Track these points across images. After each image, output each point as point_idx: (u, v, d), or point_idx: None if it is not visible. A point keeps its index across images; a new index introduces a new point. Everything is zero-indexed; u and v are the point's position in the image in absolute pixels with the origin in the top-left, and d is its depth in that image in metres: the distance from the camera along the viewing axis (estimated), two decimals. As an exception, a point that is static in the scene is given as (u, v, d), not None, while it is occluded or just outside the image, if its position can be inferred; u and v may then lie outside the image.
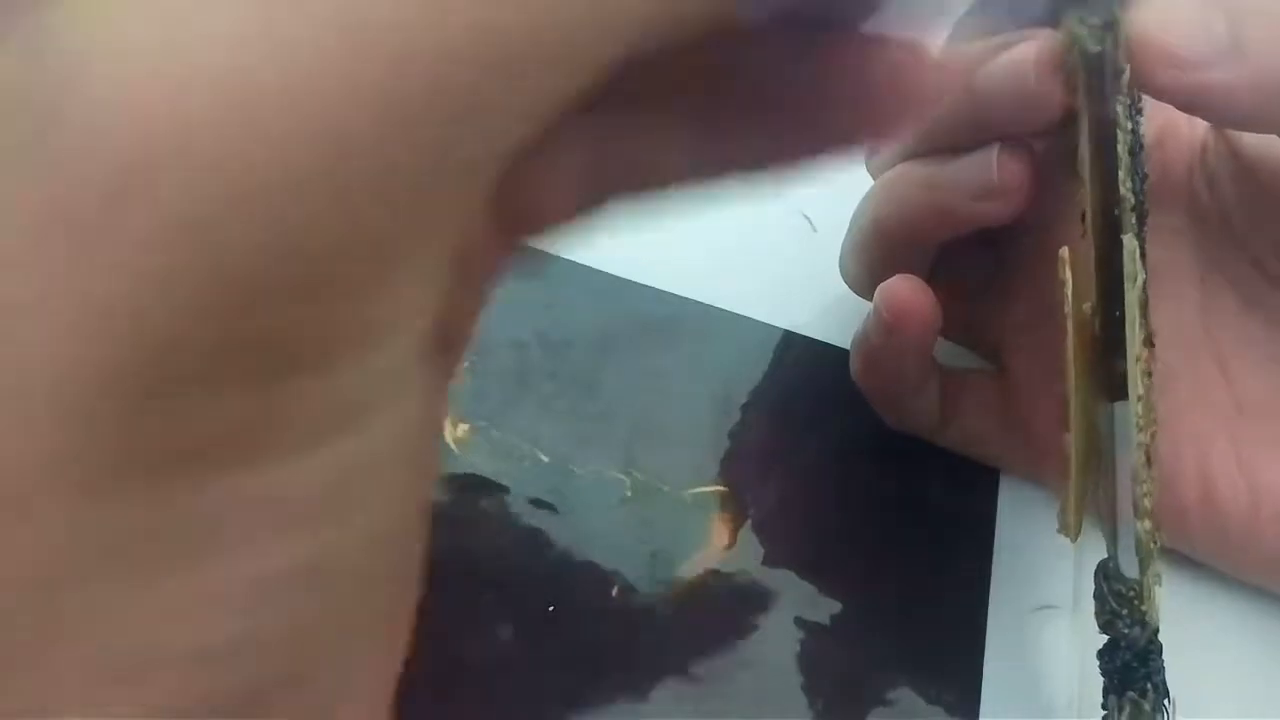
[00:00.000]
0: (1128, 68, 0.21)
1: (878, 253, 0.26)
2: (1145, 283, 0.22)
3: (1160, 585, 0.22)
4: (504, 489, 0.25)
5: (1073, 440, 0.22)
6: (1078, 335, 0.22)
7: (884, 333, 0.25)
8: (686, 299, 0.29)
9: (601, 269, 0.29)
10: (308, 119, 0.09)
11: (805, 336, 0.29)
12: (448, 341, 0.15)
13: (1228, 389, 0.26)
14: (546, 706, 0.22)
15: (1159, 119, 0.26)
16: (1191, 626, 0.26)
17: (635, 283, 0.29)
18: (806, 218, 0.32)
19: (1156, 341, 0.23)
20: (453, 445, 0.25)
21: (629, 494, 0.26)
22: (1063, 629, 0.26)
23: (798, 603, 0.25)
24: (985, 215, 0.24)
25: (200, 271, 0.09)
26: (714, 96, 0.16)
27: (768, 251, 0.31)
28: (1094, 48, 0.21)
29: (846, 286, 0.28)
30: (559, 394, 0.27)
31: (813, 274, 0.30)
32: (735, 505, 0.26)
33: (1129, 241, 0.21)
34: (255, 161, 0.09)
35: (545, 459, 0.26)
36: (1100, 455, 0.23)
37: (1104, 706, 0.22)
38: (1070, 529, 0.22)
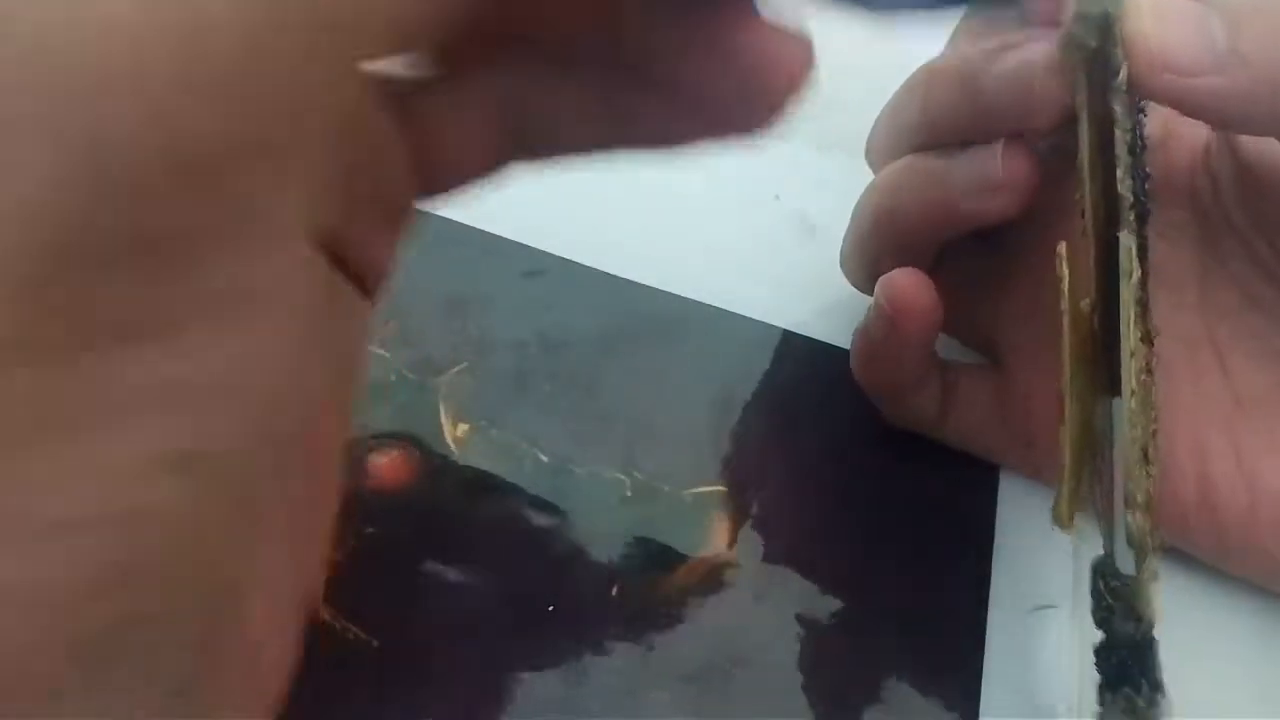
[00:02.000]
0: (1125, 66, 0.21)
1: (879, 247, 0.26)
2: (1144, 280, 0.22)
3: (1158, 582, 0.22)
4: (503, 489, 0.25)
5: (1067, 433, 0.22)
6: (1074, 330, 0.22)
7: (885, 325, 0.25)
8: (686, 299, 0.29)
9: (601, 269, 0.29)
10: (191, 48, 0.10)
11: (805, 336, 0.29)
12: (359, 273, 0.17)
13: (1227, 384, 0.26)
14: (546, 707, 0.23)
15: (1161, 118, 0.26)
16: (1187, 625, 0.26)
17: (635, 283, 0.29)
18: (805, 218, 0.32)
19: (1156, 338, 0.23)
20: (452, 445, 0.26)
21: (629, 494, 0.26)
22: (1063, 628, 0.26)
23: (798, 600, 0.25)
24: (988, 211, 0.24)
25: (90, 170, 0.10)
26: (609, 69, 0.18)
27: (767, 251, 0.31)
28: (1091, 43, 0.21)
29: (846, 286, 0.29)
30: (559, 394, 0.27)
31: (812, 274, 0.30)
32: (735, 505, 0.26)
33: (1125, 238, 0.21)
34: (142, 74, 0.10)
35: (545, 459, 0.26)
36: (1097, 450, 0.23)
37: (1099, 703, 0.22)
38: (1063, 520, 0.22)
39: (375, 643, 0.22)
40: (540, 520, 0.25)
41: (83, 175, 0.10)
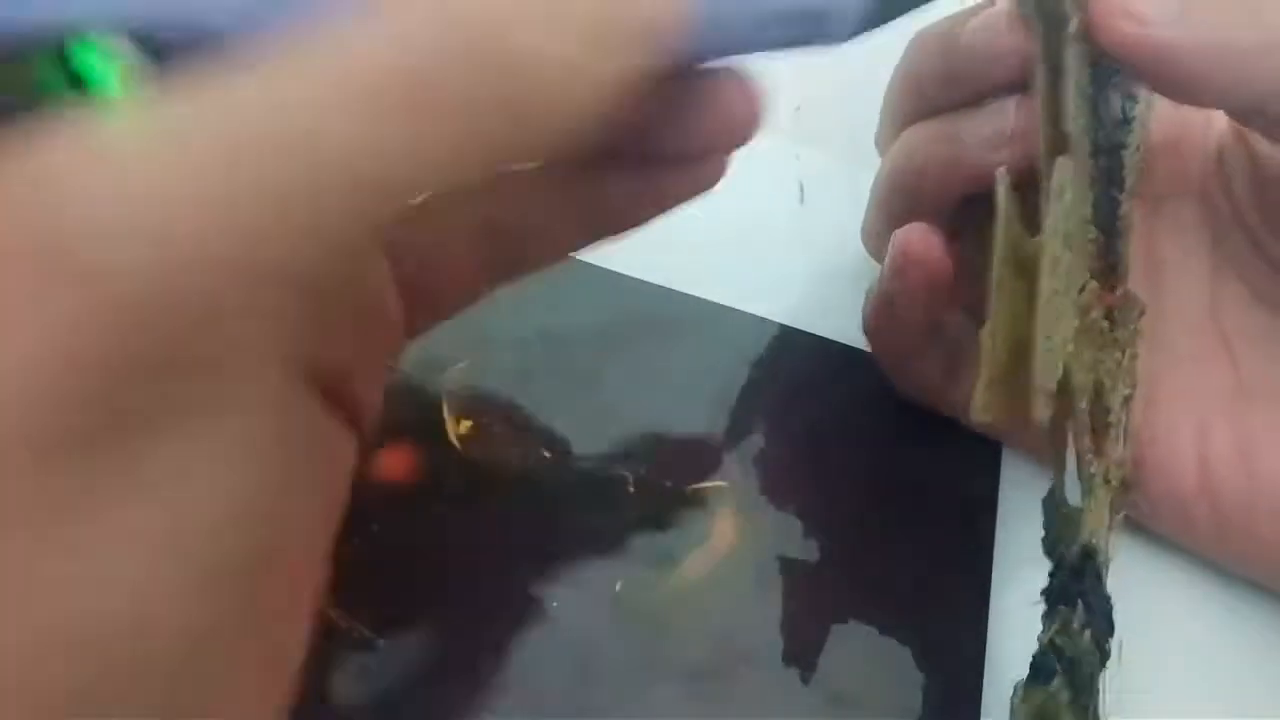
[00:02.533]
0: (1076, 18, 0.22)
1: (896, 211, 0.27)
2: (1092, 216, 0.23)
3: (1111, 517, 0.24)
4: (506, 485, 0.25)
5: (990, 322, 0.23)
6: (1007, 234, 0.23)
7: (894, 278, 0.25)
8: (689, 295, 0.29)
9: (605, 266, 0.29)
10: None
11: (808, 332, 0.29)
12: (352, 411, 0.19)
13: (1234, 374, 0.26)
14: (550, 704, 0.23)
15: (1173, 122, 0.27)
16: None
17: (639, 280, 0.29)
18: (808, 214, 0.32)
19: (1170, 324, 0.25)
20: (456, 441, 0.26)
21: (632, 490, 0.26)
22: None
23: (802, 594, 0.25)
24: (1000, 163, 0.24)
25: (107, 338, 0.12)
26: (578, 170, 0.20)
27: (770, 248, 0.31)
28: None
29: (850, 282, 0.29)
30: (561, 390, 0.27)
31: (816, 269, 0.30)
32: (738, 500, 0.26)
33: (1062, 162, 0.22)
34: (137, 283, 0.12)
35: (548, 455, 0.26)
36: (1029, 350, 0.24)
37: (1042, 627, 0.23)
38: (977, 409, 0.23)
39: (380, 640, 0.23)
40: (543, 516, 0.25)
41: (59, 362, 0.12)
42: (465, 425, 0.26)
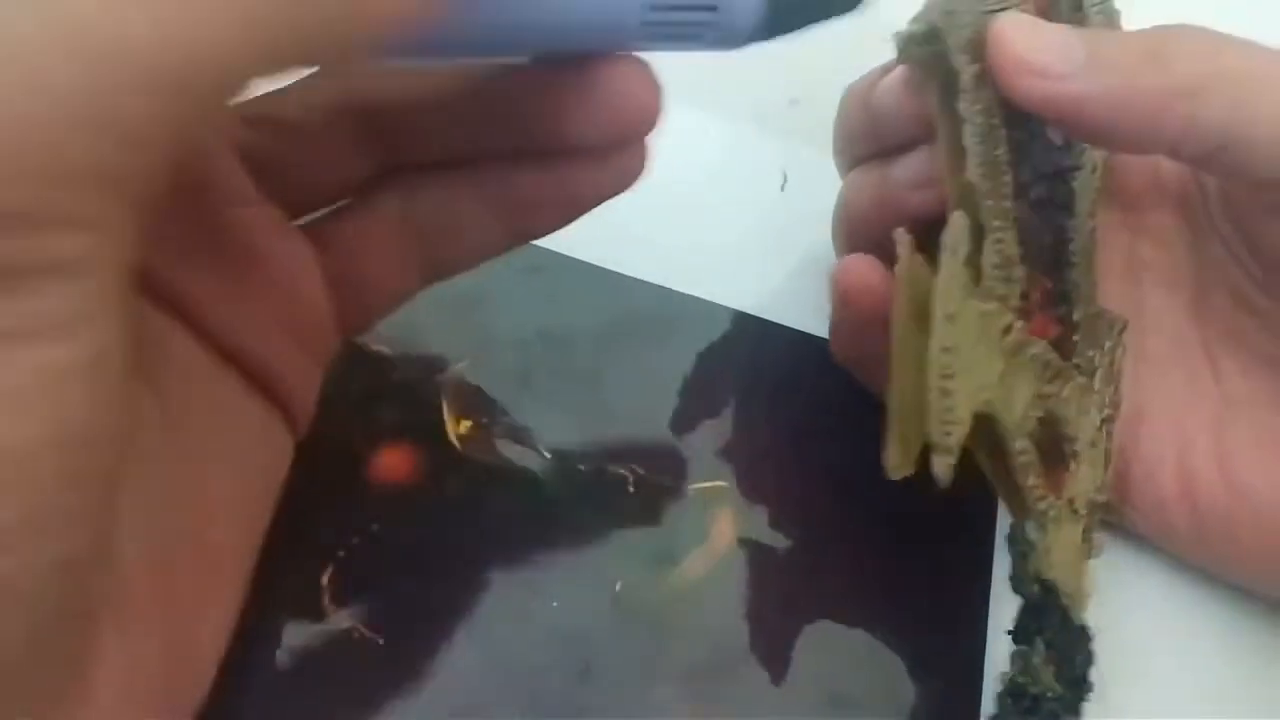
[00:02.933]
0: (973, 68, 0.22)
1: (846, 245, 0.28)
2: (1023, 254, 0.23)
3: (1086, 554, 0.24)
4: (506, 484, 0.25)
5: (894, 378, 0.23)
6: (909, 287, 0.23)
7: (841, 307, 0.26)
8: (687, 295, 0.29)
9: (604, 265, 0.29)
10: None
11: (805, 333, 0.29)
12: (278, 396, 0.20)
13: (1217, 385, 0.26)
14: (550, 703, 0.23)
15: None
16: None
17: (636, 279, 0.29)
18: (804, 214, 0.32)
19: (1152, 332, 0.24)
20: (455, 441, 0.26)
21: (631, 489, 0.26)
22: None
23: (802, 595, 0.25)
24: (924, 204, 0.25)
25: None
26: (498, 163, 0.21)
27: (768, 248, 0.31)
28: (917, 50, 0.23)
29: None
30: (561, 390, 0.27)
31: (812, 269, 0.30)
32: (738, 500, 0.26)
33: (956, 217, 0.22)
34: None
35: (548, 455, 0.26)
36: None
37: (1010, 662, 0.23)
38: (890, 463, 0.23)
39: (380, 640, 0.23)
40: (543, 516, 0.25)
41: None
42: (465, 425, 0.26)
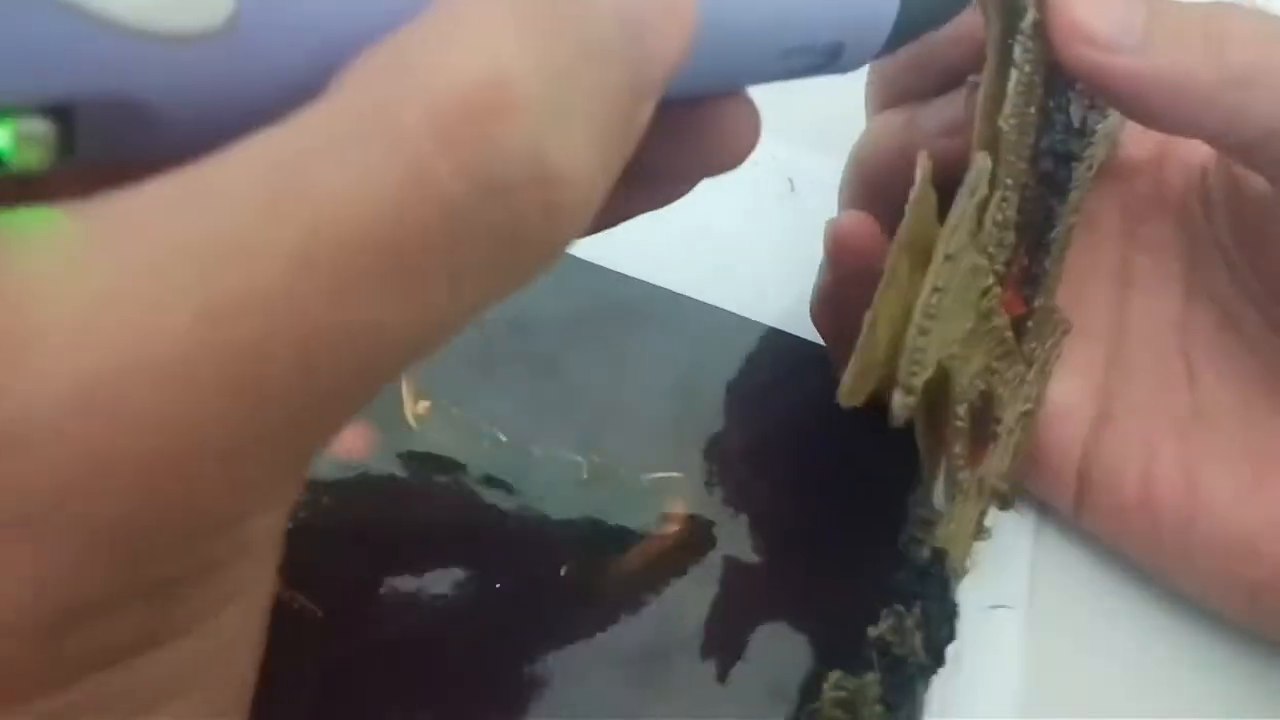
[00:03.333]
0: (1030, 12, 0.21)
1: (856, 197, 0.27)
2: (1016, 221, 0.23)
3: (976, 529, 0.24)
4: (460, 466, 0.25)
5: (873, 320, 0.22)
6: (916, 216, 0.22)
7: (832, 265, 0.25)
8: (654, 285, 0.29)
9: (575, 254, 0.29)
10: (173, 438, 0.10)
11: (773, 327, 0.29)
12: None
13: (1191, 396, 0.26)
14: (488, 681, 0.23)
15: (1157, 138, 0.26)
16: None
17: (603, 268, 0.29)
18: (778, 207, 0.32)
19: (1134, 342, 0.24)
20: (412, 421, 0.26)
21: (585, 476, 0.26)
22: (1015, 628, 0.26)
23: (750, 588, 0.25)
24: (947, 151, 0.24)
25: (101, 551, 0.11)
26: None
27: (737, 240, 0.31)
28: None
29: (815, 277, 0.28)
30: (523, 375, 0.27)
31: (784, 264, 0.30)
32: (691, 490, 0.26)
33: (979, 158, 0.22)
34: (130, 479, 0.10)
35: (504, 439, 0.26)
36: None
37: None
38: (843, 394, 0.22)
39: (320, 612, 0.23)
40: (495, 499, 0.25)
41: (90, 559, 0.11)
42: (423, 405, 0.26)
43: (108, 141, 0.11)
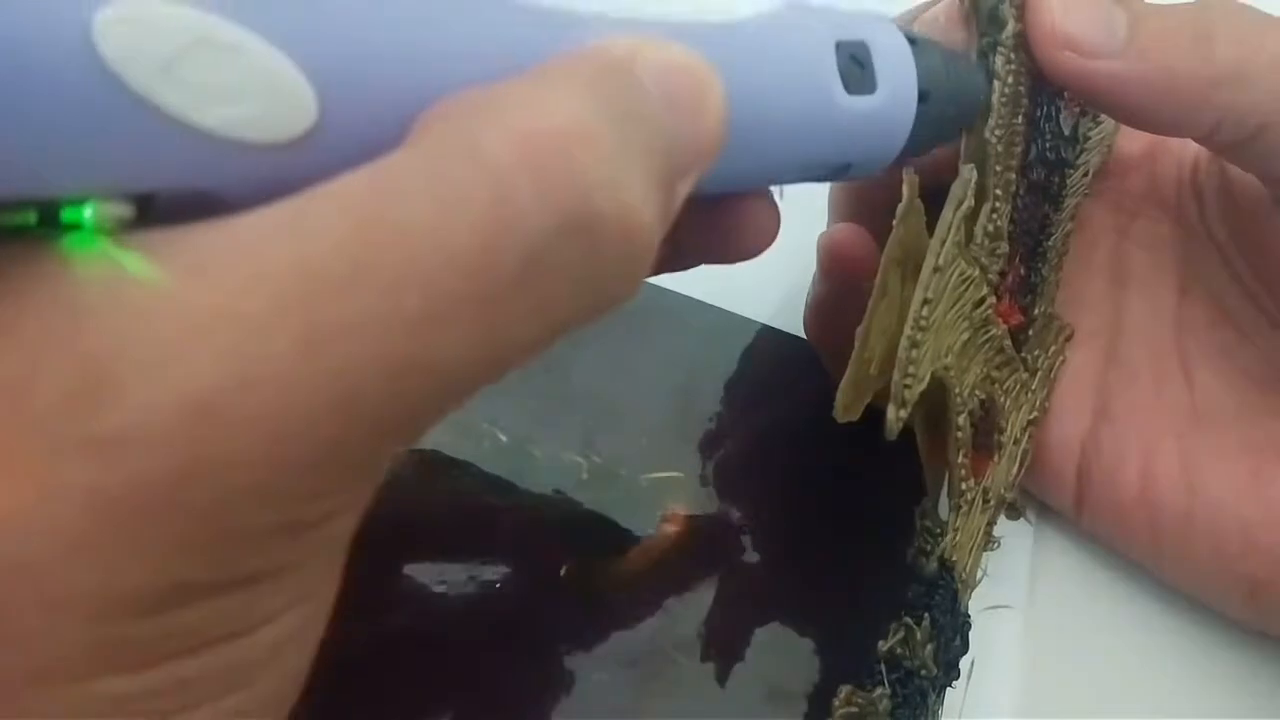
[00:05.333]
0: (1016, 25, 0.21)
1: (844, 209, 0.27)
2: (1009, 230, 0.23)
3: (984, 539, 0.24)
4: (461, 466, 0.25)
5: (865, 334, 0.22)
6: (906, 225, 0.22)
7: (823, 278, 0.25)
8: (654, 285, 0.29)
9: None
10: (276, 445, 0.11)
11: (774, 329, 0.29)
12: None
13: (1188, 394, 0.26)
14: (486, 682, 0.23)
15: (1149, 136, 0.26)
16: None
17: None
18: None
19: (1131, 341, 0.24)
20: (413, 422, 0.26)
21: (585, 477, 0.26)
22: (1015, 628, 0.26)
23: (750, 589, 0.25)
24: (934, 162, 0.24)
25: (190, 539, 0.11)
26: None
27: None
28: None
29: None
30: (523, 375, 0.27)
31: (783, 265, 0.30)
32: (691, 491, 0.26)
33: (965, 170, 0.21)
34: (237, 476, 0.11)
35: (504, 439, 0.26)
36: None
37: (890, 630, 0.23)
38: (838, 409, 0.22)
39: (320, 612, 0.23)
40: (495, 499, 0.25)
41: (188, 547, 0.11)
42: (423, 405, 0.26)
43: (180, 218, 0.12)
